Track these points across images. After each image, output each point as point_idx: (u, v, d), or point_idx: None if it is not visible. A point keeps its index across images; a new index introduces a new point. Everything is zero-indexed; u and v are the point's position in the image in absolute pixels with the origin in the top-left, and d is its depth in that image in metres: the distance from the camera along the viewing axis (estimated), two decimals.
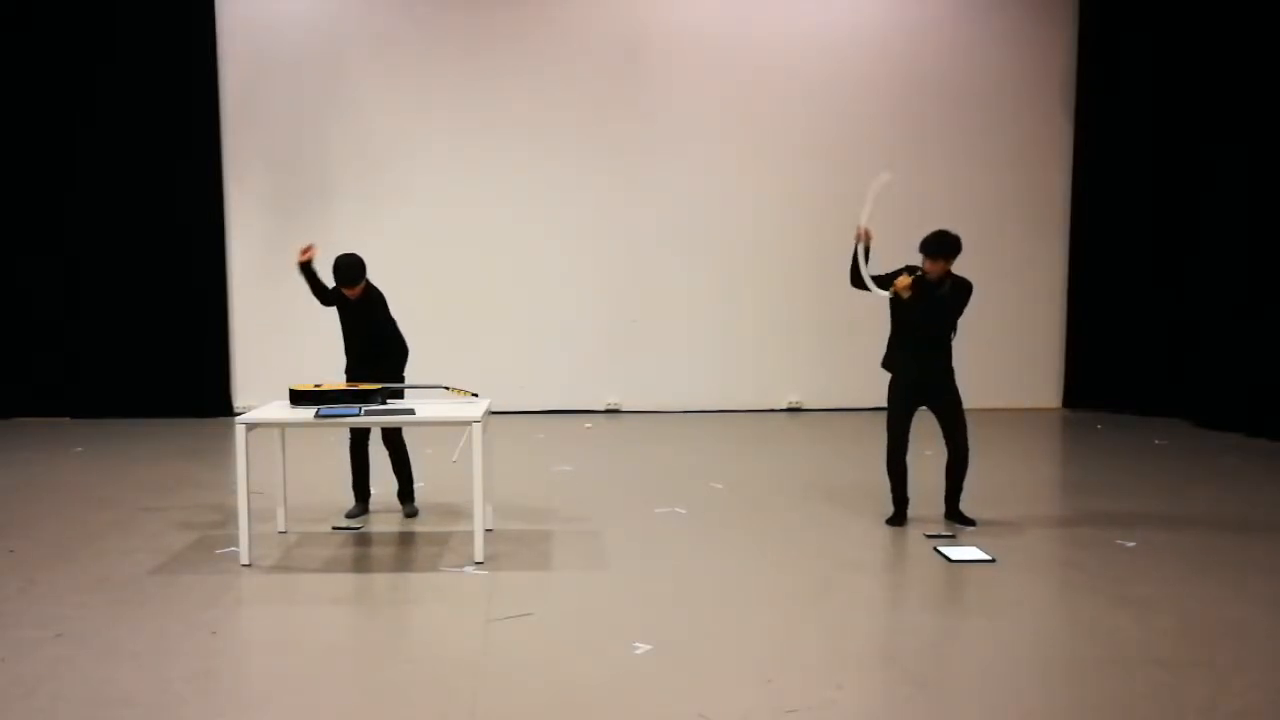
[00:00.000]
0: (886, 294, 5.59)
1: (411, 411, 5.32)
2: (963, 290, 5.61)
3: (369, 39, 9.84)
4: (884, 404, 5.88)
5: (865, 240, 5.63)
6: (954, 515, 5.93)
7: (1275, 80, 8.67)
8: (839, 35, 10.04)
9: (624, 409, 10.22)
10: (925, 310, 5.56)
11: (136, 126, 9.59)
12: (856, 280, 5.71)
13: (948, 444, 5.79)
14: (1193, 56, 9.37)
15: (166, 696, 3.68)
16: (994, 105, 10.18)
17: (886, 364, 5.82)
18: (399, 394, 5.78)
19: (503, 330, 10.06)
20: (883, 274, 5.66)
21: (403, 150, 9.90)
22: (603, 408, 10.21)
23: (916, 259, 5.63)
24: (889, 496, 5.98)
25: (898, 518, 5.94)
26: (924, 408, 5.81)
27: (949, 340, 5.70)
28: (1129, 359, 9.99)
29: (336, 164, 9.89)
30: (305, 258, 5.90)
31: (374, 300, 5.95)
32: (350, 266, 5.74)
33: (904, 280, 5.51)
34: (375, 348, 5.96)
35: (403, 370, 6.08)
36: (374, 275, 5.97)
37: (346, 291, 5.82)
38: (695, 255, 10.14)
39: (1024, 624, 4.45)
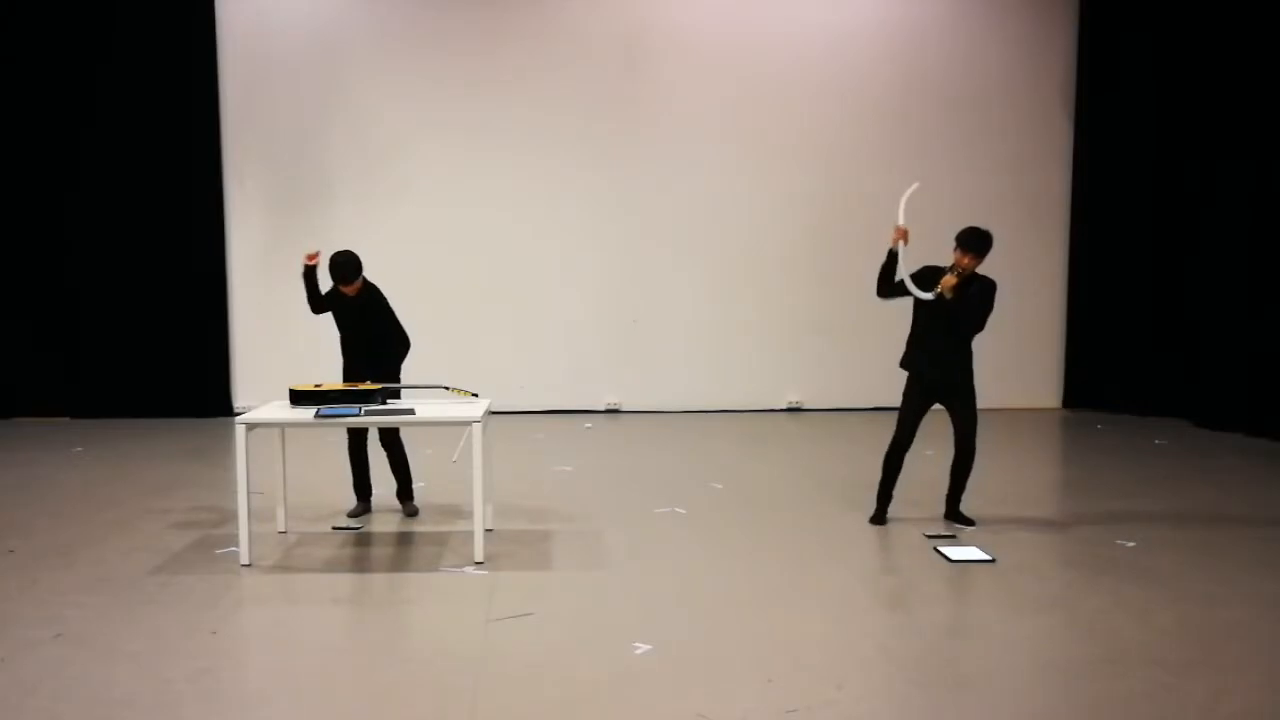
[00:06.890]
0: (929, 296, 5.50)
1: (411, 411, 5.32)
2: (990, 289, 5.58)
3: (369, 39, 9.84)
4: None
5: (903, 241, 5.57)
6: (954, 515, 5.93)
7: (1276, 80, 8.67)
8: (839, 35, 10.04)
9: (624, 409, 10.21)
10: (957, 309, 5.51)
11: (136, 127, 9.57)
12: (888, 285, 5.62)
13: (957, 441, 5.76)
14: (1193, 56, 9.37)
15: (166, 696, 3.68)
16: (994, 106, 10.18)
17: (905, 364, 5.78)
18: (396, 394, 5.77)
19: (503, 330, 10.06)
20: (911, 275, 5.58)
21: (403, 150, 9.90)
22: (603, 408, 10.21)
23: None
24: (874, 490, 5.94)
25: (880, 516, 5.92)
26: (937, 406, 5.78)
27: (971, 340, 5.68)
28: (1129, 359, 9.99)
29: (336, 164, 9.89)
30: (312, 262, 5.90)
31: (374, 300, 5.94)
32: (346, 264, 5.73)
33: (950, 279, 5.46)
34: (377, 346, 5.95)
35: (401, 364, 6.06)
36: (374, 274, 5.96)
37: (344, 290, 5.81)
38: (695, 255, 10.14)
39: (1024, 624, 4.45)
